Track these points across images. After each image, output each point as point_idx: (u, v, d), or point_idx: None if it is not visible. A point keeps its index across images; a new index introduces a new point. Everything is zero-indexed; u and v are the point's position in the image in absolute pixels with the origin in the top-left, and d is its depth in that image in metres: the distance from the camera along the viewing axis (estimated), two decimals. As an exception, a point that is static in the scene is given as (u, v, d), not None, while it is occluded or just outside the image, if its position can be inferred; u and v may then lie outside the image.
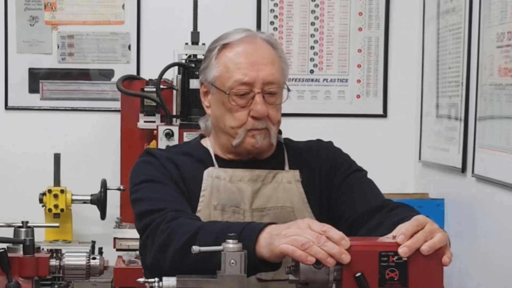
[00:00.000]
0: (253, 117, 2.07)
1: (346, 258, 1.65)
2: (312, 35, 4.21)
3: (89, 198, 3.80)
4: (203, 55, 3.66)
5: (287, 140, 2.25)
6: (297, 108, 4.10)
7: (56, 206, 3.75)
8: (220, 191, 2.10)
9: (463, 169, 3.45)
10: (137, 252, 3.33)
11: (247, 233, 1.75)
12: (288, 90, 2.15)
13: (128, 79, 3.88)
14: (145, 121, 3.73)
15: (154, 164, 2.12)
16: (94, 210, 3.79)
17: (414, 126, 4.17)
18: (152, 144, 3.65)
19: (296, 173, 2.15)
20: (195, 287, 1.72)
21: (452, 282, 3.43)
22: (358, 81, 4.23)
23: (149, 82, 3.74)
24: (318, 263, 1.64)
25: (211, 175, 2.12)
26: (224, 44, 2.10)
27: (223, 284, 1.71)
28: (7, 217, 2.93)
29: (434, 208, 3.66)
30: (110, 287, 3.62)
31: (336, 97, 4.24)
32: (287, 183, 2.14)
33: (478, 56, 3.26)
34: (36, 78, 4.17)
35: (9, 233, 2.50)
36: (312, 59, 4.22)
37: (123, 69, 4.13)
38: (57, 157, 3.82)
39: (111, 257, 3.68)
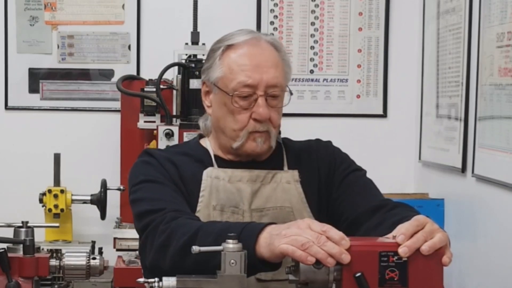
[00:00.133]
0: (255, 119, 2.07)
1: (346, 258, 1.65)
2: (312, 35, 4.21)
3: (89, 198, 3.80)
4: (203, 54, 3.72)
5: (286, 140, 2.25)
6: (297, 108, 4.10)
7: (56, 206, 3.75)
8: (219, 191, 2.10)
9: (463, 169, 3.45)
10: (137, 252, 3.33)
11: (247, 233, 1.75)
12: (291, 93, 2.15)
13: (128, 79, 3.88)
14: (145, 121, 3.73)
15: (153, 164, 2.12)
16: (94, 210, 3.79)
17: (414, 126, 4.17)
18: (152, 144, 3.65)
19: (295, 173, 2.15)
20: (195, 287, 1.72)
21: (452, 282, 3.43)
22: (358, 81, 4.23)
23: (149, 82, 3.74)
24: (318, 263, 1.64)
25: (210, 175, 2.12)
26: (228, 45, 2.10)
27: (223, 284, 1.70)
28: (7, 217, 2.93)
29: (434, 208, 3.66)
30: (110, 287, 3.62)
31: (336, 97, 4.24)
32: (286, 183, 2.14)
33: (478, 56, 3.26)
34: (36, 78, 4.17)
35: (9, 233, 2.50)
36: (312, 59, 4.22)
37: (123, 69, 4.13)
38: (57, 157, 3.82)
39: (111, 257, 3.68)
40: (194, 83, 3.64)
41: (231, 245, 1.70)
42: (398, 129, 4.23)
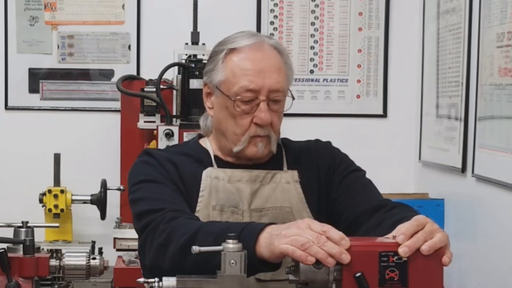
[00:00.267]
0: (256, 123, 2.08)
1: (346, 258, 1.65)
2: (312, 35, 4.21)
3: (89, 198, 3.80)
4: (203, 54, 3.73)
5: (286, 140, 2.25)
6: (297, 108, 4.04)
7: (56, 206, 3.75)
8: (219, 191, 2.10)
9: (463, 169, 3.45)
10: (137, 252, 3.33)
11: (247, 233, 1.75)
12: (293, 98, 2.15)
13: (128, 79, 3.88)
14: (145, 121, 3.73)
15: (153, 164, 2.12)
16: (94, 210, 3.79)
17: (414, 126, 4.17)
18: (152, 144, 3.65)
19: (295, 173, 2.16)
20: (195, 287, 1.72)
21: (452, 282, 3.43)
22: (358, 81, 4.23)
23: (149, 82, 3.74)
24: (318, 263, 1.64)
25: (210, 176, 2.12)
26: (231, 48, 2.09)
27: (223, 284, 1.70)
28: (7, 217, 2.93)
29: (434, 208, 3.66)
30: (110, 287, 3.62)
31: (336, 97, 4.24)
32: (286, 184, 2.14)
33: (478, 56, 3.26)
34: (36, 78, 4.17)
35: (9, 233, 2.51)
36: (312, 59, 4.22)
37: (123, 69, 4.13)
38: (57, 157, 3.82)
39: (111, 257, 3.68)
40: (194, 83, 3.64)
41: (231, 245, 1.70)
42: (398, 129, 4.23)
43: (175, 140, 3.54)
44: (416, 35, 4.14)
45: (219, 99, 2.11)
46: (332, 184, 2.16)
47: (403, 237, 1.68)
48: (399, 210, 2.00)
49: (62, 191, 3.77)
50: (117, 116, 3.96)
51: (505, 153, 2.97)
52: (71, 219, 3.90)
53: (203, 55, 3.73)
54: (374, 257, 1.67)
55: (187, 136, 3.52)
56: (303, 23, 4.20)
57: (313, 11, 4.20)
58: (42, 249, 2.35)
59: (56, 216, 3.77)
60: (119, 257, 3.67)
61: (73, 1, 4.15)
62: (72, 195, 3.81)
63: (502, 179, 3.01)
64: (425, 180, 4.06)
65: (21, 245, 2.15)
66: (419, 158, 4.10)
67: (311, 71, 4.22)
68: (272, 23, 4.19)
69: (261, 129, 2.08)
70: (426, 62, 4.00)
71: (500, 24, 3.04)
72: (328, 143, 2.26)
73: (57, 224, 3.15)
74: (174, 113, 3.73)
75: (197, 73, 3.63)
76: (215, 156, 2.17)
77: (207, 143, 2.20)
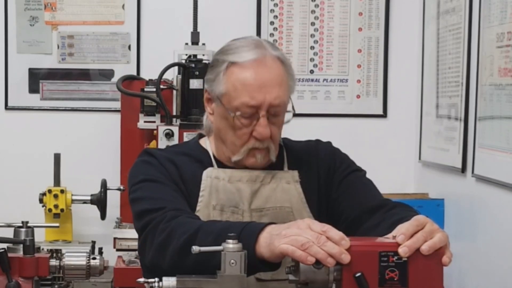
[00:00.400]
0: (255, 137, 2.07)
1: (346, 258, 1.65)
2: (312, 35, 4.21)
3: (89, 198, 3.80)
4: (203, 54, 3.72)
5: (286, 140, 2.25)
6: (297, 108, 4.08)
7: (56, 206, 3.75)
8: (219, 191, 2.10)
9: (463, 169, 3.45)
10: (137, 252, 3.33)
11: (247, 233, 1.75)
12: (293, 111, 2.15)
13: (128, 79, 3.88)
14: (145, 121, 3.73)
15: (153, 164, 2.12)
16: (94, 210, 3.79)
17: (414, 126, 4.17)
18: (152, 144, 3.65)
19: (295, 173, 2.16)
20: (195, 287, 1.72)
21: (452, 282, 3.43)
22: (358, 81, 4.23)
23: (149, 82, 3.74)
24: (318, 263, 1.64)
25: (210, 175, 2.12)
26: (233, 62, 2.06)
27: (223, 284, 1.70)
28: (7, 217, 2.93)
29: (434, 208, 3.66)
30: (110, 287, 3.62)
31: (336, 97, 4.24)
32: (286, 184, 2.14)
33: (478, 56, 3.26)
34: (36, 78, 4.17)
35: (9, 233, 2.50)
36: (312, 59, 4.22)
37: (123, 69, 4.13)
38: (57, 157, 3.83)
39: (111, 257, 3.68)
40: (194, 83, 3.64)
41: (231, 245, 1.70)
42: (398, 129, 4.23)
43: (175, 140, 3.54)
44: (416, 35, 4.15)
45: (219, 109, 2.10)
46: (332, 184, 2.16)
47: (403, 237, 1.68)
48: (399, 210, 2.00)
49: (62, 191, 3.77)
50: (117, 116, 3.96)
51: (505, 153, 2.97)
52: (71, 219, 3.90)
53: (203, 55, 3.73)
54: (374, 257, 1.67)
55: (187, 136, 3.52)
56: (303, 23, 4.20)
57: (313, 11, 4.20)
58: (42, 249, 2.35)
59: (56, 216, 3.77)
60: (119, 257, 3.67)
61: (73, 1, 4.15)
62: (72, 195, 3.81)
63: (502, 179, 3.01)
64: (425, 180, 4.06)
65: (21, 245, 2.15)
66: (419, 158, 4.10)
67: (311, 71, 4.22)
68: (272, 23, 4.19)
69: (260, 142, 2.08)
70: (426, 62, 4.00)
71: (500, 24, 3.04)
72: (329, 143, 2.26)
73: (57, 224, 3.15)
74: (174, 113, 3.73)
75: (197, 73, 3.63)
76: (215, 156, 2.17)
77: (207, 143, 2.20)
